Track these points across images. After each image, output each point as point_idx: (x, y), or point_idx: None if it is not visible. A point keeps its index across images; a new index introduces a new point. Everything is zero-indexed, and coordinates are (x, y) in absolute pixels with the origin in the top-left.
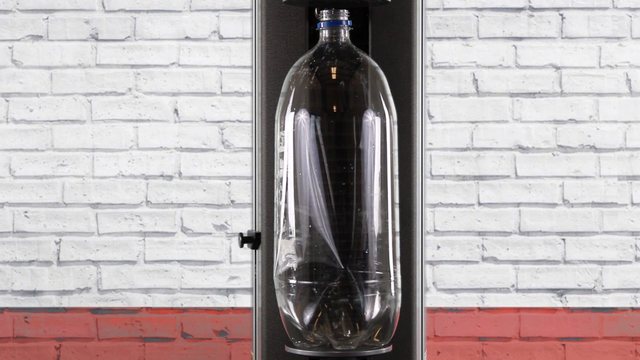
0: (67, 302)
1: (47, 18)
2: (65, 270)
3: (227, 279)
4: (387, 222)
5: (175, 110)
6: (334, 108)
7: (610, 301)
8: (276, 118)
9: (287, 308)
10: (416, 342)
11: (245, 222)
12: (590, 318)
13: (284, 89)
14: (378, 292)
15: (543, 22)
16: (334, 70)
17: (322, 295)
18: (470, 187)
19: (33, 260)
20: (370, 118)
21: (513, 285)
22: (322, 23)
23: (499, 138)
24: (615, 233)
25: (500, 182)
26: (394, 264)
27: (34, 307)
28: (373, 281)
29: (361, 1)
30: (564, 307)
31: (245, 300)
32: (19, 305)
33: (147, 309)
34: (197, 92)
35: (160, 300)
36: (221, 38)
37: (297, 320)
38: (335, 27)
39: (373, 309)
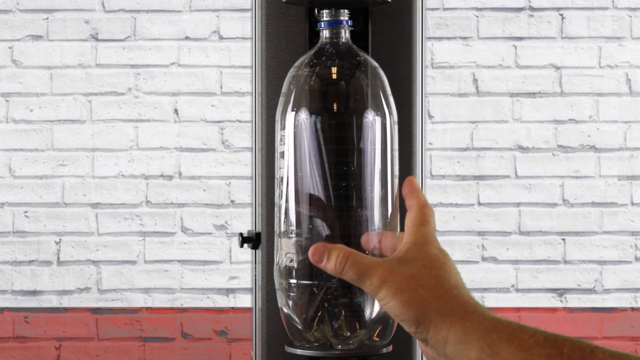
0: (67, 302)
1: (47, 18)
2: (65, 270)
3: (227, 279)
4: (387, 222)
5: (175, 110)
6: (335, 108)
7: (610, 301)
8: (277, 118)
9: (287, 307)
10: (416, 342)
11: (245, 222)
12: (590, 318)
13: (284, 89)
14: None
15: (543, 22)
16: (334, 70)
17: (322, 294)
18: (470, 187)
19: (33, 260)
20: (371, 118)
21: (513, 285)
22: (322, 23)
23: (499, 138)
24: (615, 233)
25: (500, 182)
26: None
27: (34, 307)
28: None
29: (361, 1)
30: (564, 307)
31: (245, 300)
32: (19, 305)
33: (147, 309)
34: (197, 92)
35: (160, 300)
36: (221, 38)
37: (297, 319)
38: (336, 27)
39: (373, 308)
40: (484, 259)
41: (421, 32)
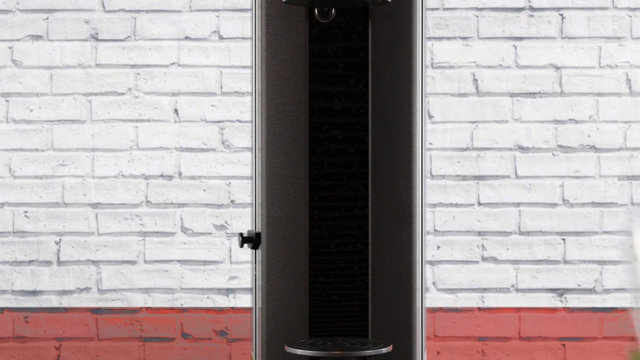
0: (67, 302)
1: (47, 18)
2: (65, 270)
3: (227, 279)
4: None
5: (175, 110)
6: None
7: (610, 301)
8: None
9: None
10: (416, 342)
11: (245, 222)
12: (590, 318)
13: None
14: None
15: (543, 22)
16: None
17: None
18: (470, 187)
19: (33, 260)
20: None
21: (513, 285)
22: None
23: (499, 138)
24: (615, 233)
25: (500, 182)
26: None
27: (34, 307)
28: None
29: (361, 1)
30: (564, 307)
31: (245, 300)
32: (19, 305)
33: (147, 309)
34: (197, 92)
35: (160, 300)
36: (221, 38)
37: None
38: None
39: None
40: (484, 259)
41: (421, 32)
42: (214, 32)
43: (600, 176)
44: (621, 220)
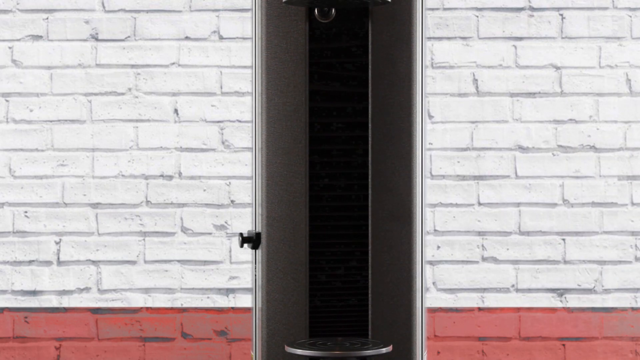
0: (67, 302)
1: (47, 18)
2: (65, 270)
3: (227, 279)
4: None
5: (175, 110)
6: None
7: (610, 301)
8: None
9: None
10: (416, 342)
11: (245, 222)
12: (590, 318)
13: None
14: None
15: (543, 22)
16: None
17: None
18: (470, 187)
19: (33, 260)
20: None
21: (513, 285)
22: None
23: (499, 138)
24: (615, 233)
25: (500, 182)
26: None
27: (34, 307)
28: None
29: (361, 1)
30: (564, 307)
31: (245, 300)
32: (19, 305)
33: (147, 309)
34: (197, 92)
35: (160, 300)
36: (221, 38)
37: None
38: None
39: None
40: (484, 259)
41: (421, 32)
42: (214, 32)
43: (600, 176)
44: (621, 220)
